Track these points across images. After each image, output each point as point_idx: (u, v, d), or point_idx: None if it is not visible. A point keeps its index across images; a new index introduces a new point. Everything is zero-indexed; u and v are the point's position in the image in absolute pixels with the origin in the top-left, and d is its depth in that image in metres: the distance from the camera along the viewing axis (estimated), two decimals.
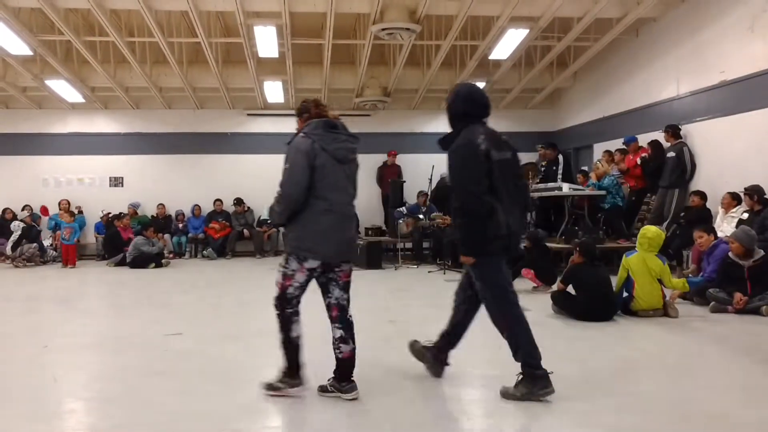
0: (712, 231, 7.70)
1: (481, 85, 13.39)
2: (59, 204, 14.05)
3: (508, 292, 3.93)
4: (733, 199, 8.54)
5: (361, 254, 11.64)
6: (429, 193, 13.05)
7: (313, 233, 3.78)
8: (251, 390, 4.16)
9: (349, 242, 4.01)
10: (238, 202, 14.26)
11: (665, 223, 9.41)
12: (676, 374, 4.52)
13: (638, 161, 10.50)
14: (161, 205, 14.35)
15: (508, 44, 11.18)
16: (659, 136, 10.20)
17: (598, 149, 12.70)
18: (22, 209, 13.91)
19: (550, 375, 3.82)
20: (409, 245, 12.54)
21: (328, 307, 3.96)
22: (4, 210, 13.90)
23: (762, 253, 6.74)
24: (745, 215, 8.11)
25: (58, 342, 5.64)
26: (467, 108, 4.03)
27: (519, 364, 3.86)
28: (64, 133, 14.78)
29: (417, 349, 4.42)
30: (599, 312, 6.31)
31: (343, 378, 3.95)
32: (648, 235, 6.52)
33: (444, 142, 4.00)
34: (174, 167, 14.85)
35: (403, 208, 12.52)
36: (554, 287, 7.33)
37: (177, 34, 11.34)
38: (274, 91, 13.80)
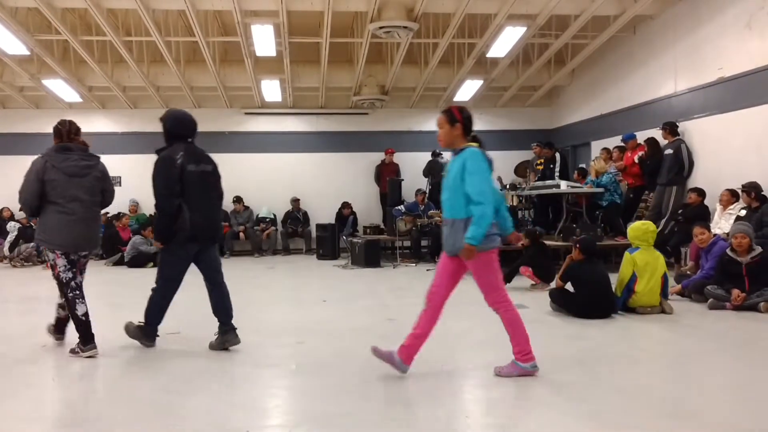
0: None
1: (479, 82, 13.46)
2: None
3: (173, 276, 5.09)
4: (732, 196, 8.54)
5: (359, 252, 11.65)
6: (426, 191, 13.07)
7: (51, 230, 4.92)
8: (250, 388, 4.16)
9: (82, 237, 5.01)
10: (238, 199, 14.23)
11: (663, 220, 9.43)
12: (673, 371, 4.53)
13: (635, 159, 10.51)
14: None
15: (505, 42, 11.18)
16: (657, 133, 10.21)
17: (596, 147, 12.72)
18: (20, 209, 13.89)
19: (158, 337, 5.19)
20: (407, 243, 12.55)
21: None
22: (2, 210, 13.89)
23: (760, 249, 6.74)
24: (743, 212, 8.12)
25: (55, 342, 5.62)
26: (176, 129, 5.08)
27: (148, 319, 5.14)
28: None
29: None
30: (598, 309, 6.32)
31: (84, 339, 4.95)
32: (651, 229, 6.55)
33: (157, 152, 5.02)
34: None
35: (401, 206, 12.52)
36: (552, 285, 7.34)
37: (174, 33, 11.32)
38: (271, 89, 13.77)
